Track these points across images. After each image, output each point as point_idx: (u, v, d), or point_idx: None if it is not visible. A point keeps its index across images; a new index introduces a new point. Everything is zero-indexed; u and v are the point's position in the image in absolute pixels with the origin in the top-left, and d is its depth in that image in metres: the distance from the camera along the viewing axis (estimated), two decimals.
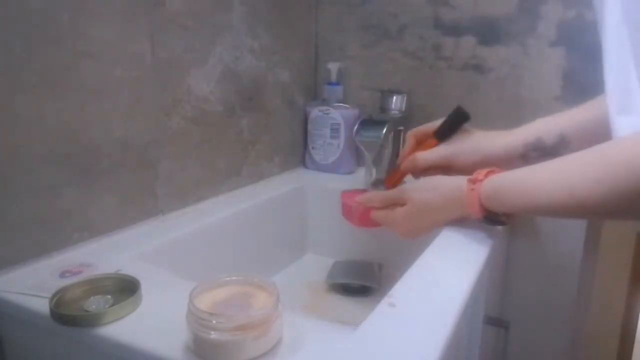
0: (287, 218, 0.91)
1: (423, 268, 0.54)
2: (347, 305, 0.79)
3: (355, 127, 0.91)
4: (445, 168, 0.69)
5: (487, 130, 0.72)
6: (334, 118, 0.98)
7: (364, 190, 0.78)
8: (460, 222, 0.68)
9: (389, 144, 0.92)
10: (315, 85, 1.07)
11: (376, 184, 0.83)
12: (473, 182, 0.56)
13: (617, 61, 0.43)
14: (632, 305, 0.89)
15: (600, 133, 0.57)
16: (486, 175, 0.56)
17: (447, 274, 0.53)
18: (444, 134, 0.71)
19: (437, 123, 0.72)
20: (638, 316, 0.95)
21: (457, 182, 0.59)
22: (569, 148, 0.61)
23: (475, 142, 0.68)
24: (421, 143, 0.74)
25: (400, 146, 0.95)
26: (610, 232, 0.85)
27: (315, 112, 1.00)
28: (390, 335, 0.42)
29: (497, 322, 0.70)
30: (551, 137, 0.62)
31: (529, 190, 0.50)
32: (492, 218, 0.57)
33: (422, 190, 0.62)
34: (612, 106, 0.45)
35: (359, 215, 0.72)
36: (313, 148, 1.02)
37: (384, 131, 0.89)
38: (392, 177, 0.78)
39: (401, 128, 0.95)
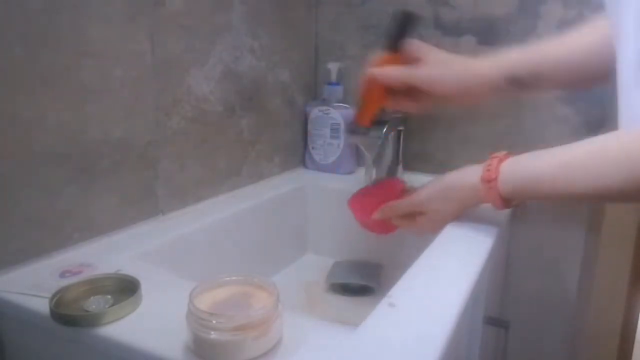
0: (287, 218, 0.91)
1: (423, 268, 0.54)
2: (347, 305, 0.79)
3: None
4: (413, 90, 0.66)
5: (486, 127, 0.73)
6: (334, 118, 0.98)
7: (366, 190, 0.77)
8: (459, 223, 0.68)
9: (389, 144, 0.92)
10: (315, 85, 1.07)
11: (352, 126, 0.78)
12: (487, 181, 0.57)
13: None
14: (632, 305, 0.89)
15: (572, 69, 0.62)
16: (496, 169, 0.56)
17: (447, 274, 0.53)
18: (395, 42, 0.66)
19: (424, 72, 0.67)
20: (638, 316, 0.95)
21: (470, 183, 0.60)
22: (541, 82, 0.63)
23: (455, 68, 0.65)
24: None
25: (400, 146, 0.95)
26: (610, 232, 0.85)
27: (315, 112, 1.00)
28: (390, 335, 0.42)
29: (497, 322, 0.70)
30: (525, 73, 0.63)
31: (553, 186, 0.51)
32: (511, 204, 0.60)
33: (436, 200, 0.64)
34: (626, 78, 0.45)
35: (378, 225, 0.72)
36: (313, 148, 1.02)
37: (384, 131, 0.89)
38: (362, 112, 0.71)
39: (401, 128, 0.95)
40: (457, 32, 0.92)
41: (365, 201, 0.74)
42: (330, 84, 1.00)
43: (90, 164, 0.60)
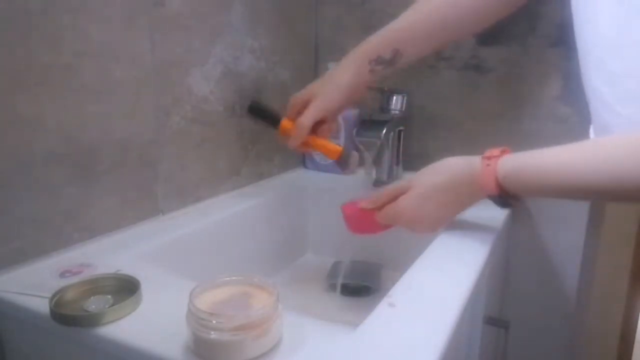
0: (287, 218, 0.91)
1: (423, 268, 0.54)
2: (347, 305, 0.79)
3: (355, 127, 0.91)
4: (324, 120, 0.72)
5: (486, 127, 0.74)
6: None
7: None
8: (459, 223, 0.68)
9: (389, 144, 0.92)
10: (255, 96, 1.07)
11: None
12: (488, 158, 0.55)
13: None
14: (632, 305, 0.89)
15: (429, 38, 0.70)
16: (502, 152, 0.56)
17: (447, 274, 0.53)
18: (273, 118, 0.73)
19: (312, 87, 0.73)
20: (638, 316, 0.95)
21: (469, 160, 0.58)
22: (403, 57, 0.70)
23: (331, 81, 0.72)
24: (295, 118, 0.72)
25: (400, 146, 0.95)
26: (610, 232, 0.85)
27: None
28: (390, 335, 0.42)
29: (497, 322, 0.70)
30: (388, 52, 0.70)
31: (562, 176, 0.50)
32: (504, 198, 0.56)
33: (429, 173, 0.61)
34: None
35: (370, 223, 0.67)
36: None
37: (384, 131, 0.89)
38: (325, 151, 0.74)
39: (401, 128, 0.95)
40: None
41: (356, 203, 0.69)
42: None
43: (90, 164, 0.60)
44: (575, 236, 0.89)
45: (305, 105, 0.71)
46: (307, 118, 0.69)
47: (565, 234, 0.89)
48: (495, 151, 0.56)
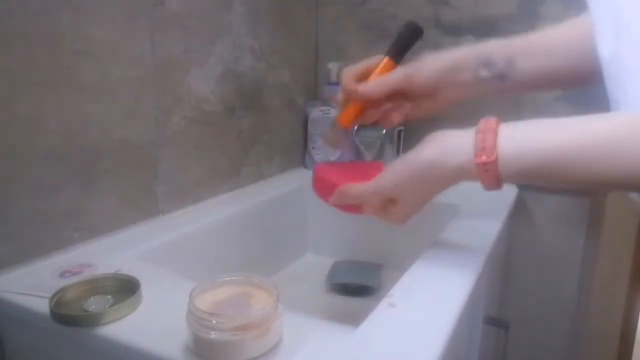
0: (287, 218, 0.91)
1: (423, 268, 0.54)
2: (347, 305, 0.79)
3: (355, 127, 0.91)
4: (400, 95, 0.62)
5: None
6: (334, 118, 0.98)
7: (340, 164, 0.65)
8: (459, 223, 0.68)
9: (389, 143, 0.92)
10: (315, 85, 1.07)
11: (333, 125, 0.67)
12: (484, 164, 0.46)
13: None
14: (632, 305, 0.89)
15: (549, 62, 0.60)
16: (493, 149, 0.46)
17: (447, 274, 0.53)
18: (400, 53, 0.62)
19: (371, 61, 0.63)
20: (638, 316, 0.95)
21: (454, 164, 0.49)
22: (514, 72, 0.60)
23: (430, 59, 0.62)
24: (364, 79, 0.62)
25: (400, 146, 0.95)
26: (610, 232, 0.85)
27: (315, 112, 1.00)
28: (390, 335, 0.42)
29: (497, 322, 0.70)
30: (501, 59, 0.60)
31: (579, 171, 0.43)
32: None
33: (408, 185, 0.52)
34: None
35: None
36: (313, 148, 1.02)
37: (384, 131, 0.89)
38: (345, 114, 0.64)
39: (401, 128, 0.95)
40: (457, 32, 0.92)
41: (331, 174, 0.60)
42: (330, 84, 1.00)
43: (90, 164, 0.60)
44: (576, 236, 0.89)
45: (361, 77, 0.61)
46: (384, 83, 0.60)
47: (565, 233, 0.89)
48: (488, 151, 0.46)
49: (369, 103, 0.63)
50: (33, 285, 0.49)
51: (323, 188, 0.60)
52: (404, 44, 0.63)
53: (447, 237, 0.63)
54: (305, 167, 1.05)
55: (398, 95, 0.62)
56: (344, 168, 0.64)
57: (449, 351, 0.41)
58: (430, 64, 0.61)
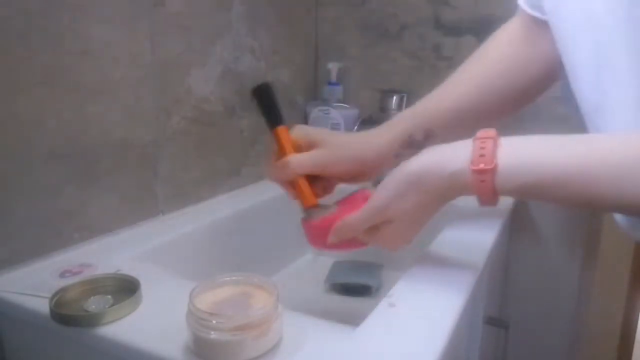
0: (287, 218, 0.91)
1: (423, 268, 0.54)
2: (347, 305, 0.79)
3: (355, 127, 0.91)
4: (318, 175, 0.59)
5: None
6: (334, 118, 0.98)
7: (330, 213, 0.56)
8: (459, 223, 0.68)
9: None
10: (315, 85, 1.07)
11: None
12: (480, 172, 0.43)
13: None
14: (632, 306, 0.89)
15: (461, 123, 0.59)
16: (492, 157, 0.43)
17: (447, 273, 0.53)
18: (274, 116, 0.59)
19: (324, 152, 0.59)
20: (638, 316, 0.95)
21: (450, 171, 0.45)
22: (436, 140, 0.57)
23: (351, 146, 0.59)
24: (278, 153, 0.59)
25: None
26: (610, 232, 0.85)
27: (315, 112, 1.00)
28: (390, 335, 0.42)
29: (497, 322, 0.70)
30: (420, 133, 0.58)
31: (579, 191, 0.40)
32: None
33: (401, 197, 0.48)
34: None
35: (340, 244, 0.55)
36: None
37: None
38: (303, 198, 0.58)
39: None
40: (457, 32, 0.92)
41: (323, 220, 0.55)
42: (330, 84, 1.00)
43: (90, 164, 0.60)
44: (576, 236, 0.89)
45: (309, 144, 0.58)
46: (302, 164, 0.56)
47: (565, 233, 0.89)
48: (487, 158, 0.43)
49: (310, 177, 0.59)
50: (33, 285, 0.49)
51: (320, 236, 0.55)
52: (267, 106, 0.59)
53: (447, 237, 0.63)
54: None
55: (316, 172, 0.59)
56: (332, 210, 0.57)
57: (449, 351, 0.41)
58: (351, 156, 0.58)
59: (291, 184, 0.58)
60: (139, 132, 0.66)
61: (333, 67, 1.00)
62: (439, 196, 0.48)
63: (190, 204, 0.76)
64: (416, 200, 0.48)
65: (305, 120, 1.03)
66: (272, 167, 0.59)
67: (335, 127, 0.98)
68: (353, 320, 0.45)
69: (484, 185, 0.43)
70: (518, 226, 0.91)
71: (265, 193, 0.87)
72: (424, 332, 0.42)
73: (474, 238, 0.62)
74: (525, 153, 0.43)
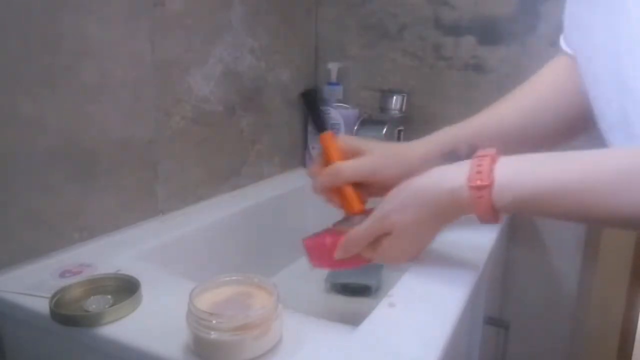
0: (287, 218, 0.91)
1: (423, 268, 0.54)
2: (347, 305, 0.79)
3: (355, 127, 0.91)
4: (366, 182, 0.60)
5: None
6: (334, 118, 0.98)
7: (330, 232, 0.58)
8: (459, 223, 0.68)
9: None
10: (316, 85, 1.07)
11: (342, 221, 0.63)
12: (478, 188, 0.44)
13: None
14: (632, 305, 0.89)
15: (507, 140, 0.58)
16: (489, 175, 0.44)
17: (447, 274, 0.53)
18: (321, 124, 0.62)
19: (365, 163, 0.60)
20: (638, 316, 0.95)
21: (449, 188, 0.47)
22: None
23: (396, 155, 0.61)
24: (324, 160, 0.61)
25: None
26: (610, 233, 0.85)
27: None
28: (390, 335, 0.42)
29: (497, 322, 0.70)
30: (464, 148, 0.59)
31: (579, 205, 0.40)
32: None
33: (402, 210, 0.50)
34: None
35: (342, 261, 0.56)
36: (313, 148, 1.02)
37: (384, 131, 0.89)
38: (347, 204, 0.60)
39: (401, 128, 0.95)
40: (457, 32, 0.92)
41: (326, 239, 0.57)
42: (330, 84, 1.00)
43: (90, 164, 0.60)
44: (576, 236, 0.89)
45: (354, 151, 0.60)
46: (354, 170, 0.58)
47: (565, 234, 0.89)
48: (484, 175, 0.44)
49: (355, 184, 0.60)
50: (33, 285, 0.49)
51: (326, 255, 0.56)
52: (315, 112, 0.63)
53: (447, 237, 0.63)
54: (305, 167, 1.05)
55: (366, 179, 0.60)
56: (332, 230, 0.59)
57: (449, 351, 0.41)
58: (399, 162, 0.60)
59: (337, 192, 0.60)
60: (139, 132, 0.66)
61: (333, 67, 1.00)
62: (437, 213, 0.49)
63: (190, 204, 0.76)
64: (415, 214, 0.49)
65: (305, 120, 1.03)
66: (321, 174, 0.60)
67: (335, 127, 0.98)
68: (353, 320, 0.45)
69: (482, 201, 0.44)
70: (518, 226, 0.91)
71: (265, 193, 0.87)
72: (424, 332, 0.42)
73: (474, 238, 0.62)
74: (521, 168, 0.44)
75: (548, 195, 0.41)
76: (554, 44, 0.85)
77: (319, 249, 0.56)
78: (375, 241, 0.52)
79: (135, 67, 0.64)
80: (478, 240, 0.62)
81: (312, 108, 0.64)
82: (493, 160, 0.45)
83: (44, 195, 0.55)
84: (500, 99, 0.62)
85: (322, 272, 0.86)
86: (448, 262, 0.56)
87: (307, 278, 0.88)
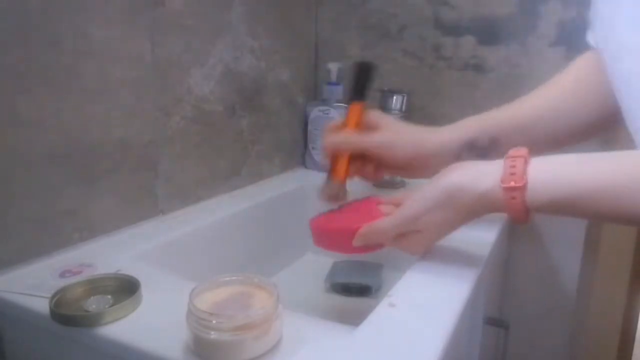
0: (287, 218, 0.91)
1: (423, 268, 0.54)
2: (347, 305, 0.79)
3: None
4: (379, 156, 0.62)
5: None
6: (334, 118, 0.98)
7: (331, 213, 0.60)
8: None
9: None
10: (315, 85, 1.07)
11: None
12: (511, 189, 0.44)
13: None
14: (632, 305, 0.89)
15: (528, 134, 0.58)
16: (523, 175, 0.44)
17: (447, 274, 0.53)
18: (361, 93, 0.63)
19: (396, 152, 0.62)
20: (638, 316, 0.95)
21: (482, 190, 0.47)
22: (499, 149, 0.57)
23: (412, 135, 0.62)
24: (344, 124, 0.63)
25: None
26: (610, 232, 0.85)
27: (315, 112, 1.00)
28: (390, 335, 0.42)
29: (497, 322, 0.70)
30: (484, 139, 0.59)
31: (609, 204, 0.41)
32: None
33: (436, 212, 0.50)
34: None
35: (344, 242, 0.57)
36: (313, 148, 1.02)
37: None
38: (336, 169, 0.62)
39: None
40: (457, 32, 0.92)
41: (339, 222, 0.58)
42: (330, 84, 1.00)
43: (90, 164, 0.60)
44: (576, 236, 0.89)
45: (376, 126, 0.62)
46: (370, 139, 0.60)
47: (565, 233, 0.89)
48: (518, 176, 0.44)
49: (355, 155, 0.62)
50: (33, 285, 0.49)
51: (337, 239, 0.57)
52: (361, 84, 0.64)
53: (447, 237, 0.63)
54: (305, 167, 1.05)
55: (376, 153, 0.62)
56: (343, 213, 0.60)
57: (449, 351, 0.41)
58: (407, 142, 0.61)
59: (336, 157, 0.62)
60: (139, 132, 0.66)
61: (333, 67, 1.00)
62: (468, 213, 0.50)
63: (190, 204, 0.76)
64: (446, 215, 0.50)
65: (305, 120, 1.03)
66: (335, 135, 0.62)
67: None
68: (353, 320, 0.45)
69: (515, 202, 0.44)
70: (518, 226, 0.91)
71: (265, 193, 0.87)
72: (424, 332, 0.42)
73: (474, 238, 0.62)
74: (555, 169, 0.44)
75: (582, 196, 0.42)
76: (554, 44, 0.86)
77: (333, 235, 0.57)
78: (400, 235, 0.53)
79: (135, 67, 0.64)
80: (478, 240, 0.62)
81: (362, 78, 0.64)
82: (526, 162, 0.45)
83: (44, 195, 0.55)
84: (522, 96, 0.62)
85: (322, 272, 0.86)
86: (448, 262, 0.56)
87: (307, 278, 0.88)
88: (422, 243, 0.54)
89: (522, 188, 0.44)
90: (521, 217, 0.45)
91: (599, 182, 0.41)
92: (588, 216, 0.45)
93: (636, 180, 0.39)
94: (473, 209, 0.49)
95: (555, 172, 0.44)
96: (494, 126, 0.60)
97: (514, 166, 0.45)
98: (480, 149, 0.59)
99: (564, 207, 0.43)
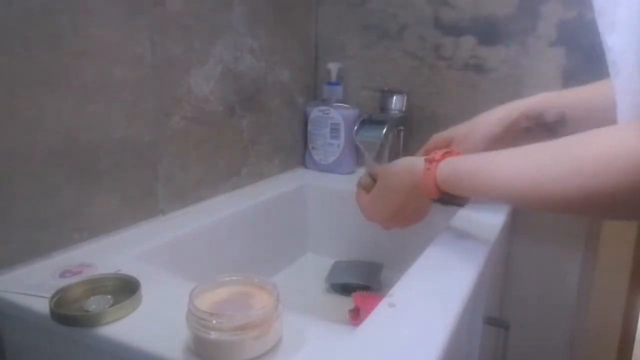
0: (287, 218, 0.91)
1: (423, 268, 0.54)
2: (347, 305, 0.79)
3: (355, 127, 0.91)
4: (460, 144, 0.68)
5: None
6: (333, 118, 0.98)
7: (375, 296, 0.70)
8: (459, 223, 0.68)
9: (389, 144, 0.92)
10: (315, 85, 1.07)
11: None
12: (429, 161, 0.55)
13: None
14: (632, 305, 0.89)
15: (600, 117, 0.56)
16: (443, 156, 0.55)
17: (447, 274, 0.53)
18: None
19: (457, 129, 0.70)
20: (638, 316, 0.95)
21: (414, 163, 0.58)
22: (567, 127, 0.60)
23: (479, 121, 0.67)
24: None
25: (400, 146, 0.95)
26: (610, 232, 0.85)
27: (315, 112, 1.00)
28: (390, 335, 0.42)
29: (497, 322, 0.70)
30: (552, 115, 0.61)
31: (489, 178, 0.48)
32: (447, 199, 0.56)
33: (386, 170, 0.62)
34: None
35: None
36: (313, 148, 1.02)
37: (384, 131, 0.89)
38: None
39: (401, 128, 0.95)
40: (457, 32, 0.92)
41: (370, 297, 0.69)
42: (330, 84, 1.00)
43: (90, 164, 0.60)
44: (576, 236, 0.89)
45: (446, 145, 0.68)
46: (445, 133, 0.70)
47: (565, 233, 0.89)
48: (438, 153, 0.55)
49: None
50: (33, 285, 0.49)
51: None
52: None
53: (447, 237, 0.63)
54: (305, 167, 1.05)
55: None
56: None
57: (449, 351, 0.41)
58: (477, 130, 0.67)
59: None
60: (139, 132, 0.66)
61: (333, 67, 1.00)
62: (399, 181, 0.60)
63: (190, 204, 0.76)
64: (388, 176, 0.61)
65: (305, 120, 1.03)
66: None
67: (335, 127, 0.98)
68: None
69: (429, 173, 0.54)
70: (518, 226, 0.91)
71: (265, 193, 0.87)
72: (424, 332, 0.42)
73: (474, 238, 0.62)
74: (468, 155, 0.54)
75: (474, 169, 0.50)
76: (554, 44, 0.86)
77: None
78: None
79: (135, 67, 0.64)
80: (478, 240, 0.62)
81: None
82: (445, 152, 0.55)
83: (44, 195, 0.55)
84: (525, 95, 0.66)
85: (322, 272, 0.87)
86: (448, 262, 0.56)
87: (307, 278, 0.88)
88: (372, 200, 0.64)
89: (437, 161, 0.54)
90: (431, 190, 0.55)
91: (498, 155, 0.48)
92: (473, 190, 0.51)
93: (526, 160, 0.44)
94: (402, 178, 0.59)
95: (464, 159, 0.53)
96: (561, 101, 0.62)
97: (436, 152, 0.56)
98: (547, 124, 0.62)
99: (464, 179, 0.51)
